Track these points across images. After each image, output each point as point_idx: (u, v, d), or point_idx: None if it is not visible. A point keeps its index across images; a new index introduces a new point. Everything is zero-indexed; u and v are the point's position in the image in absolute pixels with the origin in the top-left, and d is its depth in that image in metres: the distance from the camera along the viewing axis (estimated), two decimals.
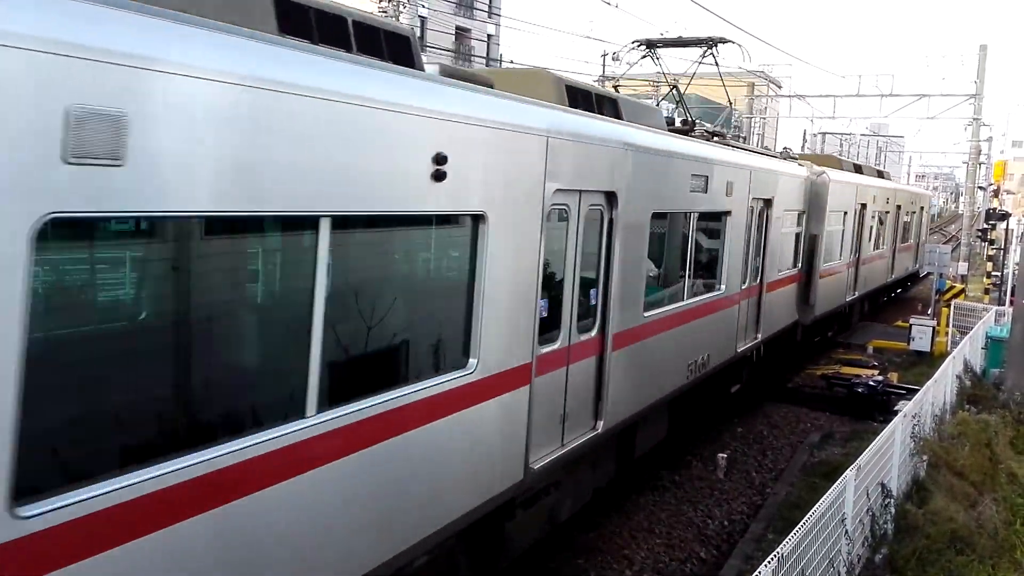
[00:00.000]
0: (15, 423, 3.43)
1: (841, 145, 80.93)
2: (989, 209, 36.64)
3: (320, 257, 4.92)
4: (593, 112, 8.65)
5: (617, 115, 9.21)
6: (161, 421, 4.31)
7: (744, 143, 17.70)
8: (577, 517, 9.41)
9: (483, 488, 6.62)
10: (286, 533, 4.80)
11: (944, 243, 41.13)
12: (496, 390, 6.64)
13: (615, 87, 13.59)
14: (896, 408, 12.94)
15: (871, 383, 15.92)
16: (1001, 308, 22.09)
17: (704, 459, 12.16)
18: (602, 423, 8.45)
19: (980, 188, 43.63)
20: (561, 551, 8.98)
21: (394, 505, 5.67)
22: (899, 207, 25.29)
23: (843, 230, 18.88)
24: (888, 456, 8.99)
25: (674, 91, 13.65)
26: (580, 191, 7.71)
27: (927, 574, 7.79)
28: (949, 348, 19.00)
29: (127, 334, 4.25)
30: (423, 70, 6.22)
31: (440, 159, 5.68)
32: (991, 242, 34.03)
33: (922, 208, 31.08)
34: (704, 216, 11.09)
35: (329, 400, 5.05)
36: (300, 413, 4.88)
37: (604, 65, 37.52)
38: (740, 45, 14.11)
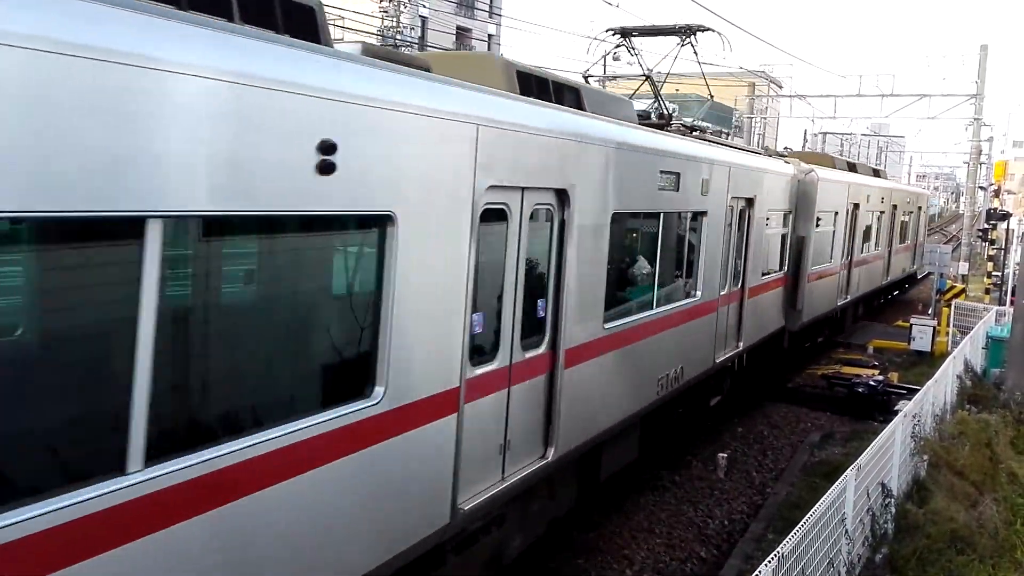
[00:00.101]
0: None
1: (842, 145, 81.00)
2: (990, 209, 36.68)
3: (147, 271, 3.89)
4: (550, 102, 7.81)
5: (579, 106, 8.44)
6: None
7: (728, 139, 16.58)
8: (577, 517, 9.42)
9: (396, 539, 5.66)
10: None
11: (945, 243, 41.14)
12: (411, 422, 5.67)
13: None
14: (896, 408, 12.94)
15: (871, 383, 15.92)
16: (1002, 308, 22.12)
17: (704, 459, 12.16)
18: (553, 450, 7.55)
19: (981, 188, 43.65)
20: (561, 551, 8.97)
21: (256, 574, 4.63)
22: (895, 207, 24.82)
23: (834, 231, 18.23)
24: (888, 456, 8.98)
25: (649, 82, 12.79)
26: (523, 188, 6.82)
27: (927, 574, 7.79)
28: (950, 348, 18.99)
29: None
30: (331, 46, 5.34)
31: (327, 147, 4.74)
32: (992, 242, 34.04)
33: (920, 208, 30.69)
34: (676, 217, 10.31)
35: (163, 450, 4.03)
36: (119, 469, 3.86)
37: (605, 64, 37.50)
38: (721, 34, 13.11)
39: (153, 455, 3.97)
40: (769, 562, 5.50)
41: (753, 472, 12.12)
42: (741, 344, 13.11)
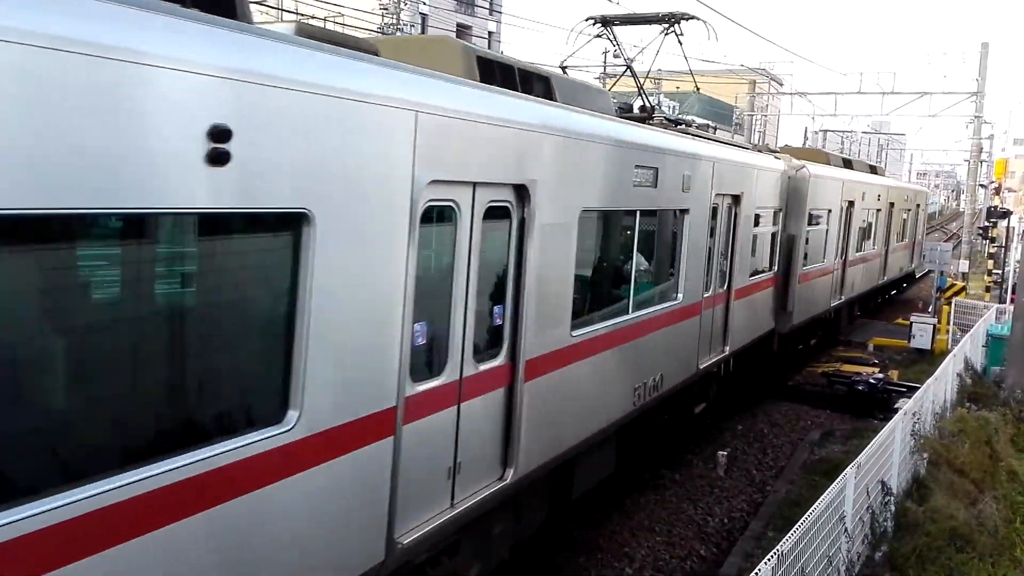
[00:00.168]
0: None
1: (843, 143, 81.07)
2: (990, 207, 36.70)
3: None
4: (516, 91, 7.22)
5: (549, 96, 7.87)
6: None
7: (713, 132, 15.92)
8: (577, 517, 9.43)
9: None
10: None
11: (945, 241, 41.15)
12: (334, 449, 5.00)
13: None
14: (896, 406, 12.95)
15: (871, 381, 15.92)
16: (1002, 306, 22.16)
17: (704, 457, 12.17)
18: (513, 471, 6.88)
19: (981, 186, 43.74)
20: (561, 550, 8.98)
21: None
22: (892, 204, 24.39)
23: (827, 229, 17.53)
24: (888, 454, 9.00)
25: (629, 72, 12.09)
26: (474, 184, 6.16)
27: (927, 572, 7.79)
28: (950, 346, 19.01)
29: None
30: (250, 23, 4.70)
31: (219, 134, 4.04)
32: (992, 240, 34.08)
33: (919, 206, 30.36)
34: (654, 214, 9.65)
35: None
36: None
37: (605, 64, 37.54)
38: (706, 23, 12.41)
39: None
40: (769, 560, 5.52)
41: (753, 470, 12.13)
42: (727, 348, 12.52)
